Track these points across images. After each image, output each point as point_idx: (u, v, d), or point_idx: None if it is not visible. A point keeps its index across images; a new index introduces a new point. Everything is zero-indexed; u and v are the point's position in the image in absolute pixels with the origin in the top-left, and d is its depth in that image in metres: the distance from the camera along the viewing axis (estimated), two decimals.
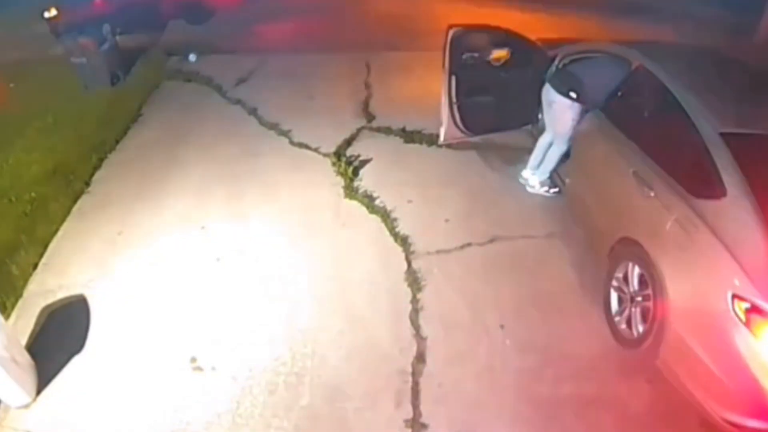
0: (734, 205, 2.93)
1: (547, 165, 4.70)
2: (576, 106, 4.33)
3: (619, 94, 4.12)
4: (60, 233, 4.61)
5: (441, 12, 8.45)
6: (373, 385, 3.29)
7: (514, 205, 4.69)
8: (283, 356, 3.48)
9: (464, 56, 4.68)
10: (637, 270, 3.40)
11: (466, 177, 5.04)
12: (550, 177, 4.78)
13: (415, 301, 3.81)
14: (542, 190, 4.77)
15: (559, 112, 4.49)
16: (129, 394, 3.31)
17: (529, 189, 4.82)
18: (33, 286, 4.09)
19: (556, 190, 4.76)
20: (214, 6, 9.88)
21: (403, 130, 5.72)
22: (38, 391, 3.31)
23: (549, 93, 4.50)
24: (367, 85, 6.80)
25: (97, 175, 5.39)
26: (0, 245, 4.39)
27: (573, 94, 4.29)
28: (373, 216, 4.61)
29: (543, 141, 4.79)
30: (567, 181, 4.58)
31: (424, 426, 3.07)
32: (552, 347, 3.47)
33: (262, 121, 6.13)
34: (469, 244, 4.27)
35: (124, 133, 6.09)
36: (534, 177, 4.78)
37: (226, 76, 7.15)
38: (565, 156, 4.58)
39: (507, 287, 3.90)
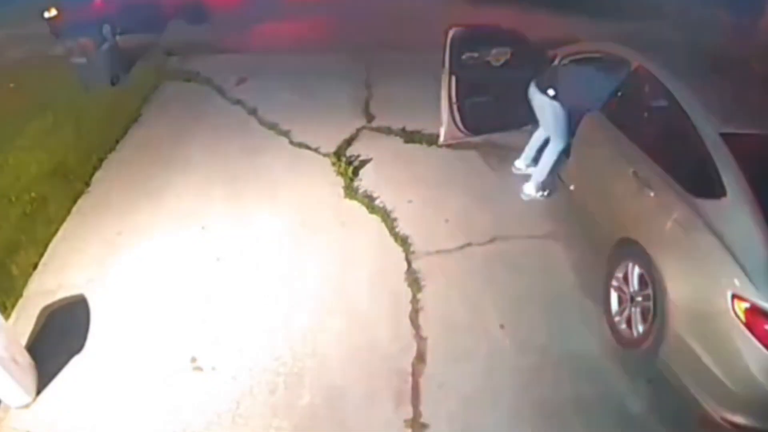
0: (734, 205, 2.94)
1: (542, 169, 4.63)
2: (555, 105, 4.34)
3: (619, 94, 4.12)
4: (60, 233, 4.60)
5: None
6: (373, 385, 3.29)
7: (514, 205, 4.69)
8: (283, 356, 3.48)
9: (464, 56, 4.68)
10: (637, 270, 3.40)
11: (466, 177, 5.04)
12: (545, 180, 4.68)
13: (415, 301, 3.81)
14: (537, 195, 4.71)
15: (539, 110, 4.54)
16: (129, 394, 3.31)
17: (524, 197, 4.73)
18: (33, 286, 4.09)
19: (548, 192, 4.72)
20: (214, 6, 9.88)
21: (403, 130, 5.72)
22: (38, 391, 3.30)
23: (532, 92, 4.53)
24: (367, 85, 6.80)
25: (97, 175, 5.38)
26: (0, 245, 4.40)
27: (551, 92, 4.31)
28: (373, 216, 4.61)
29: (537, 135, 4.82)
30: (567, 182, 4.58)
31: (424, 426, 3.07)
32: (552, 347, 3.47)
33: (262, 121, 6.13)
34: (469, 244, 4.27)
35: (124, 133, 6.08)
36: (530, 185, 4.72)
37: (226, 76, 7.15)
38: (565, 157, 4.57)
39: (507, 287, 3.90)
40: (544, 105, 4.45)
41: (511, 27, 5.00)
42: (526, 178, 4.79)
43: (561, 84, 4.33)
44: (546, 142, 4.68)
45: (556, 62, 4.79)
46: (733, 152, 3.05)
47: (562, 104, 4.34)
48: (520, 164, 4.98)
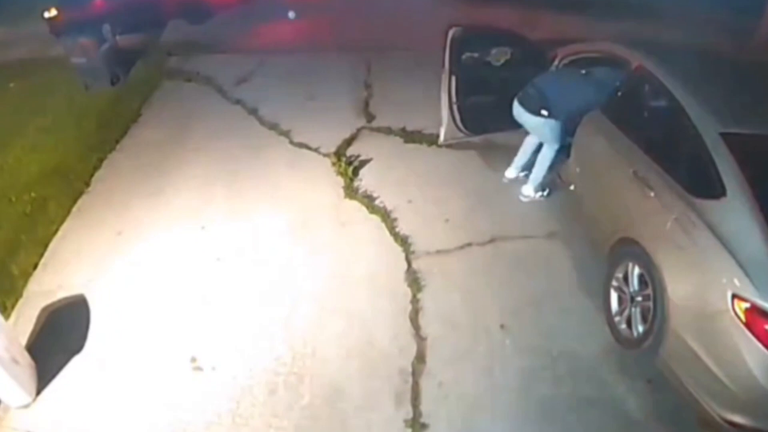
0: (734, 205, 2.93)
1: (539, 170, 4.59)
2: (550, 122, 4.32)
3: (619, 94, 4.13)
4: (60, 233, 4.61)
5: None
6: (373, 385, 3.30)
7: (514, 205, 4.68)
8: (283, 356, 3.48)
9: (464, 56, 4.68)
10: (637, 270, 3.40)
11: (466, 177, 5.04)
12: (543, 180, 4.66)
13: (415, 301, 3.82)
14: (537, 196, 4.69)
15: (535, 130, 4.53)
16: (129, 393, 3.31)
17: (522, 199, 4.70)
18: (33, 286, 4.10)
19: (547, 192, 4.71)
20: (214, 6, 9.88)
21: (403, 130, 5.72)
22: (38, 391, 3.31)
23: (521, 114, 4.44)
24: (367, 85, 6.79)
25: (97, 174, 5.39)
26: (0, 245, 4.40)
27: (544, 113, 4.28)
28: (373, 216, 4.61)
29: (529, 141, 4.76)
30: (567, 182, 4.58)
31: (424, 426, 3.08)
32: (552, 347, 3.47)
33: (262, 121, 6.13)
34: (469, 244, 4.27)
35: (124, 133, 6.09)
36: (528, 187, 4.69)
37: (226, 76, 7.15)
38: (563, 156, 4.55)
39: (507, 287, 3.90)
40: (538, 125, 4.41)
41: (511, 27, 5.00)
42: (525, 179, 4.77)
43: (551, 101, 4.26)
44: (540, 145, 4.66)
45: (556, 62, 4.79)
46: (733, 152, 3.05)
47: (557, 118, 4.31)
48: (511, 173, 4.87)
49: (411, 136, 5.62)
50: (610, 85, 4.18)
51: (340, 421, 3.13)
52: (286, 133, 5.84)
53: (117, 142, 5.91)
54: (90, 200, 5.04)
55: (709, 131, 3.19)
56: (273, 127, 5.99)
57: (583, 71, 4.40)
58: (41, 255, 4.36)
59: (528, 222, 4.48)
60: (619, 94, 4.12)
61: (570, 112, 4.29)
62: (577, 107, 4.28)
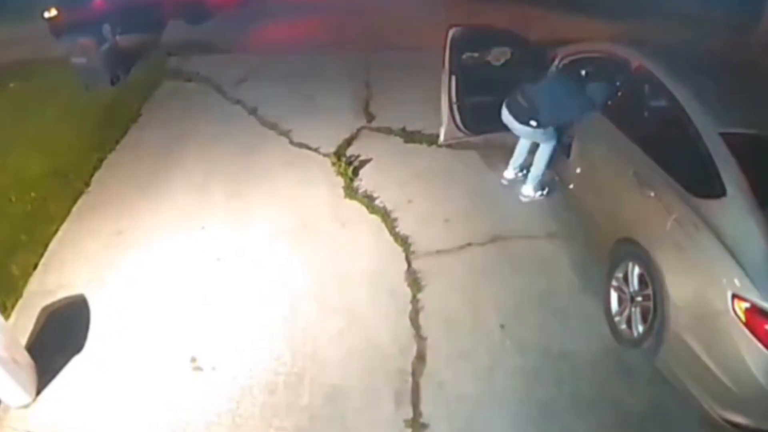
0: (734, 205, 2.94)
1: (537, 168, 4.60)
2: (539, 129, 4.33)
3: (619, 94, 4.13)
4: (60, 233, 4.61)
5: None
6: (373, 385, 3.30)
7: (515, 204, 4.68)
8: (283, 356, 3.48)
9: (464, 56, 4.68)
10: (637, 270, 3.40)
11: (466, 177, 5.04)
12: (542, 179, 4.67)
13: (415, 301, 3.81)
14: (536, 195, 4.69)
15: (525, 136, 4.55)
16: (129, 393, 3.31)
17: (523, 198, 4.70)
18: (33, 286, 4.10)
19: (547, 191, 4.71)
20: (214, 6, 9.89)
21: (403, 130, 5.72)
22: (38, 391, 3.31)
23: (511, 121, 4.44)
24: (367, 85, 6.79)
25: (97, 175, 5.39)
26: (0, 245, 4.40)
27: (533, 123, 4.29)
28: (373, 216, 4.61)
29: (524, 141, 4.75)
30: (566, 181, 4.58)
31: (424, 426, 3.08)
32: (552, 347, 3.47)
33: (262, 121, 6.13)
34: (469, 244, 4.27)
35: (124, 133, 6.09)
36: (528, 187, 4.69)
37: (226, 76, 7.15)
38: (562, 155, 4.55)
39: (507, 287, 3.89)
40: (527, 132, 4.44)
41: (511, 27, 5.00)
42: (524, 179, 4.77)
43: (541, 112, 4.25)
44: (534, 144, 4.66)
45: (556, 62, 4.79)
46: (733, 152, 3.05)
47: (545, 128, 4.33)
48: (509, 174, 4.88)
49: (411, 136, 5.62)
50: (602, 97, 4.19)
51: (340, 421, 3.12)
52: (286, 133, 5.84)
53: (117, 142, 5.91)
54: (90, 200, 5.04)
55: (709, 131, 3.19)
56: (273, 127, 5.99)
57: (577, 81, 4.38)
58: (41, 255, 4.36)
59: (528, 222, 4.48)
60: (619, 94, 4.12)
61: (559, 123, 4.35)
62: (567, 119, 4.33)
